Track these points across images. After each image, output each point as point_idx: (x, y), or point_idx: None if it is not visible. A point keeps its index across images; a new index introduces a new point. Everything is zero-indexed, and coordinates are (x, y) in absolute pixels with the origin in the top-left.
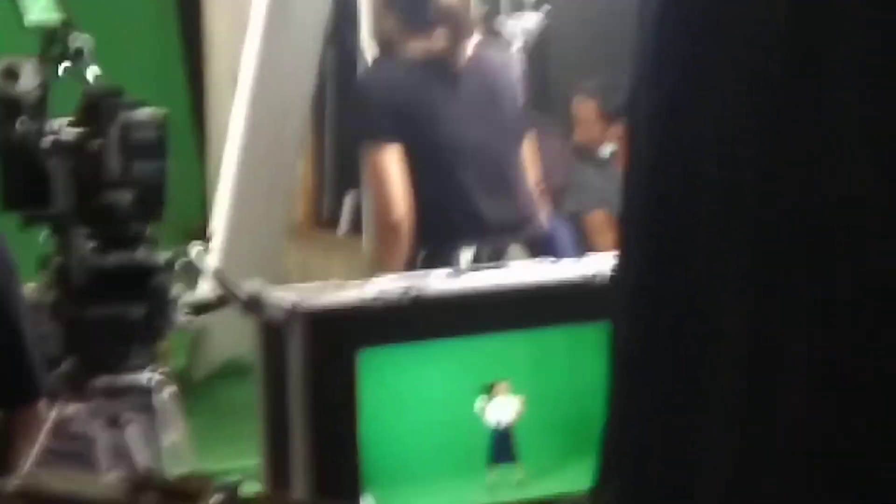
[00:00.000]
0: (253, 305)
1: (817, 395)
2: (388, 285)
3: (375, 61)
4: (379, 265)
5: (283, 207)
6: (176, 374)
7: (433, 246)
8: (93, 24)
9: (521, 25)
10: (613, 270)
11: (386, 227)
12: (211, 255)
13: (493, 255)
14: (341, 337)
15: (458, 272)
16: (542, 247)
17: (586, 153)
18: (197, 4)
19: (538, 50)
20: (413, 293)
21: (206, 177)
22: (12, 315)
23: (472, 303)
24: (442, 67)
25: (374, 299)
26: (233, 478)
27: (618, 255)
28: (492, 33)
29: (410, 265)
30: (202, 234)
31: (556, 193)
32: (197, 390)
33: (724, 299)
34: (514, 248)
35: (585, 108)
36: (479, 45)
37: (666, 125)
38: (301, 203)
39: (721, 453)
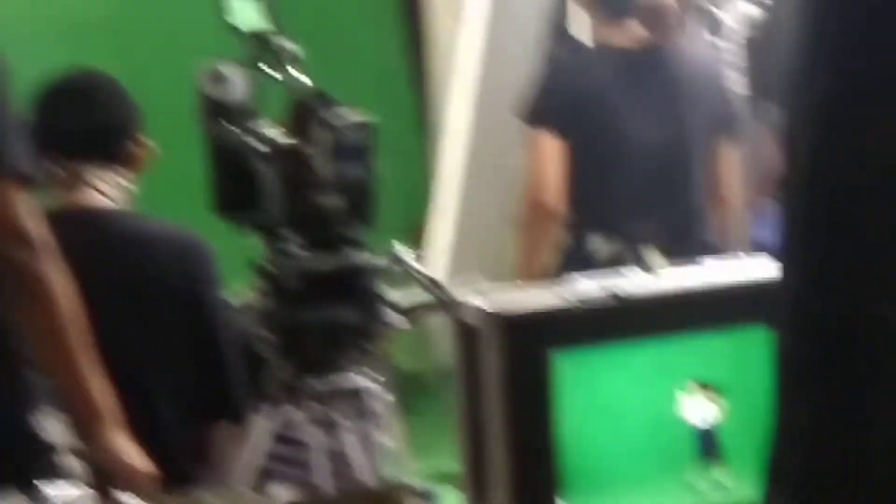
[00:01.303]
0: (451, 308)
1: None
2: (585, 286)
3: (569, 49)
4: (524, 249)
5: (508, 202)
6: (402, 374)
7: (579, 237)
8: (316, 25)
9: (741, 13)
10: (777, 274)
11: (536, 209)
12: (436, 254)
13: (631, 257)
14: (537, 340)
15: (654, 271)
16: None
17: None
18: (419, 2)
19: (763, 39)
20: (613, 294)
21: (433, 176)
22: (217, 333)
23: (670, 302)
24: (636, 61)
25: (572, 301)
26: (427, 486)
27: (781, 258)
28: (707, 23)
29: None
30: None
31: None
32: (425, 390)
33: None
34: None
35: None
36: (686, 41)
37: (826, 120)
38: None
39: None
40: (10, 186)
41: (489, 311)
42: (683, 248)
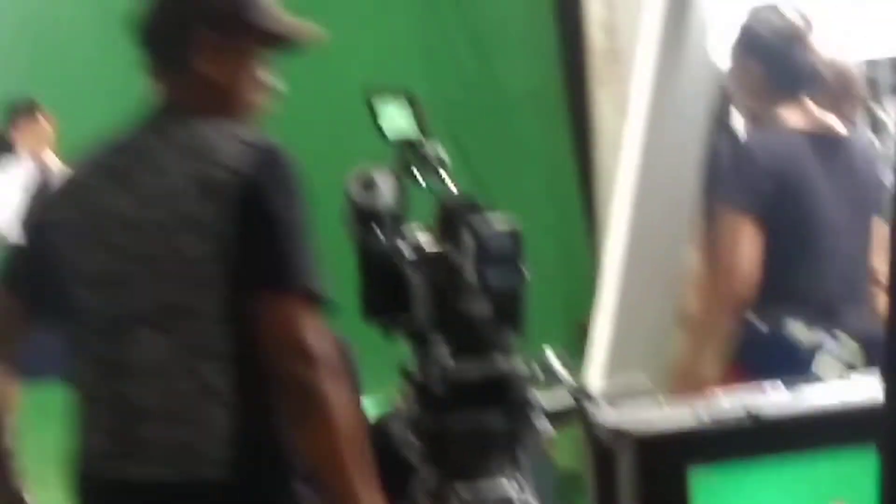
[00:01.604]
0: (587, 424)
1: None
2: (722, 403)
3: (754, 129)
4: (702, 330)
5: (672, 298)
6: (562, 474)
7: (774, 324)
8: (485, 125)
9: None
10: (882, 397)
11: (725, 298)
12: (598, 352)
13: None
14: (672, 459)
15: (797, 389)
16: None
17: None
18: (587, 100)
19: None
20: (749, 413)
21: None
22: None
23: (808, 421)
24: (819, 141)
25: (707, 420)
26: None
27: (885, 379)
28: (869, 120)
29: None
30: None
31: None
32: (584, 489)
33: None
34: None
35: None
36: (856, 125)
37: None
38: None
39: None
40: (297, 303)
41: (622, 429)
42: (872, 337)
